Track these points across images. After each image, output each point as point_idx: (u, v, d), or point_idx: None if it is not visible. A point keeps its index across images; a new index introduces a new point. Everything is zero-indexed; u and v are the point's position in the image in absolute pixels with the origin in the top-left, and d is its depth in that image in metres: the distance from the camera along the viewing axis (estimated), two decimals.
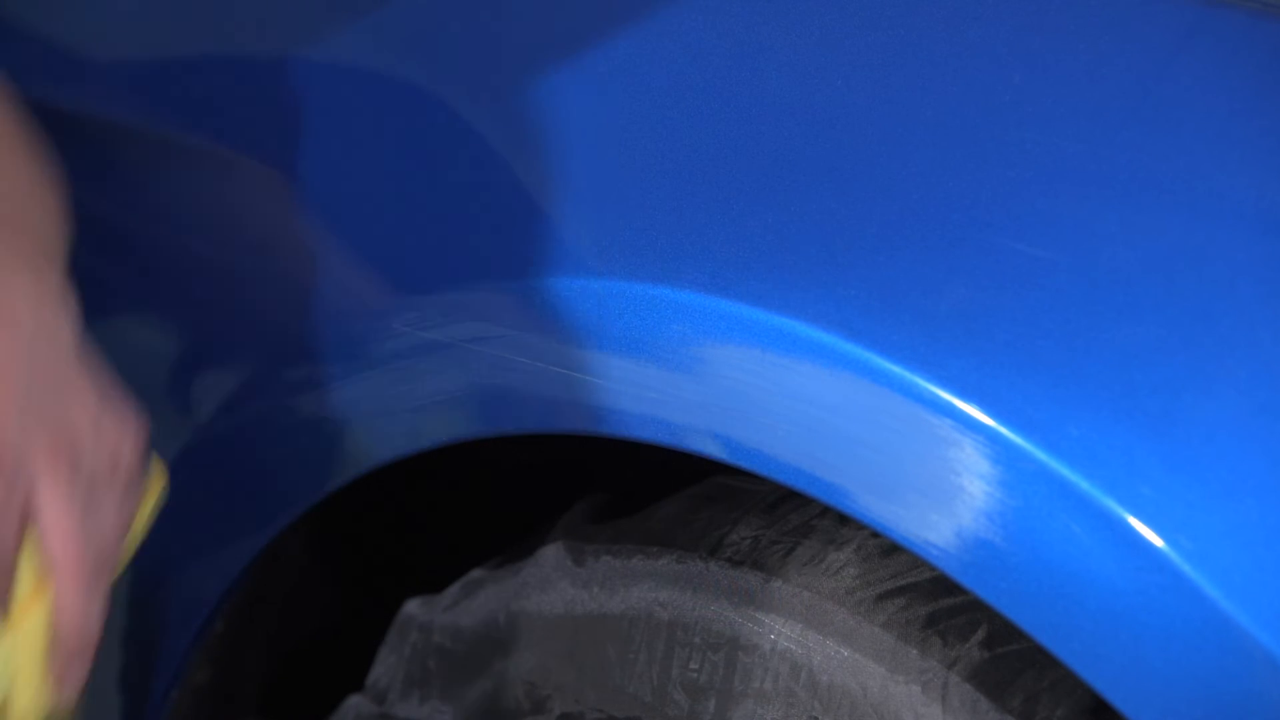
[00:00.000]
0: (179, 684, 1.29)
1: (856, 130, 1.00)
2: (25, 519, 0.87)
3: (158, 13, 1.33)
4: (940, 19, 1.04)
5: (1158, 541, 0.84)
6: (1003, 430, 0.88)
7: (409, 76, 1.18)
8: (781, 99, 1.03)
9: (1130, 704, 0.86)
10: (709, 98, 1.06)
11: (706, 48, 1.09)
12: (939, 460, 0.90)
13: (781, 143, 1.01)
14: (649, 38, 1.11)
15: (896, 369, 0.91)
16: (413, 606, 1.21)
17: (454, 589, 1.19)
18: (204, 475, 1.30)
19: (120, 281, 1.33)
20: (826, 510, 1.09)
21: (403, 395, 1.13)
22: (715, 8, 1.11)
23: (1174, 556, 0.84)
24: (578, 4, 1.16)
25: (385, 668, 1.22)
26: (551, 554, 1.13)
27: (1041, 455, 0.87)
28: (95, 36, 1.29)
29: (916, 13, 1.04)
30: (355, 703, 1.23)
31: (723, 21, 1.10)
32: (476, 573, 1.18)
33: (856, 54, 1.04)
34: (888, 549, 1.04)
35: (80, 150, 1.30)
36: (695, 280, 0.98)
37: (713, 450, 0.99)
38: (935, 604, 1.02)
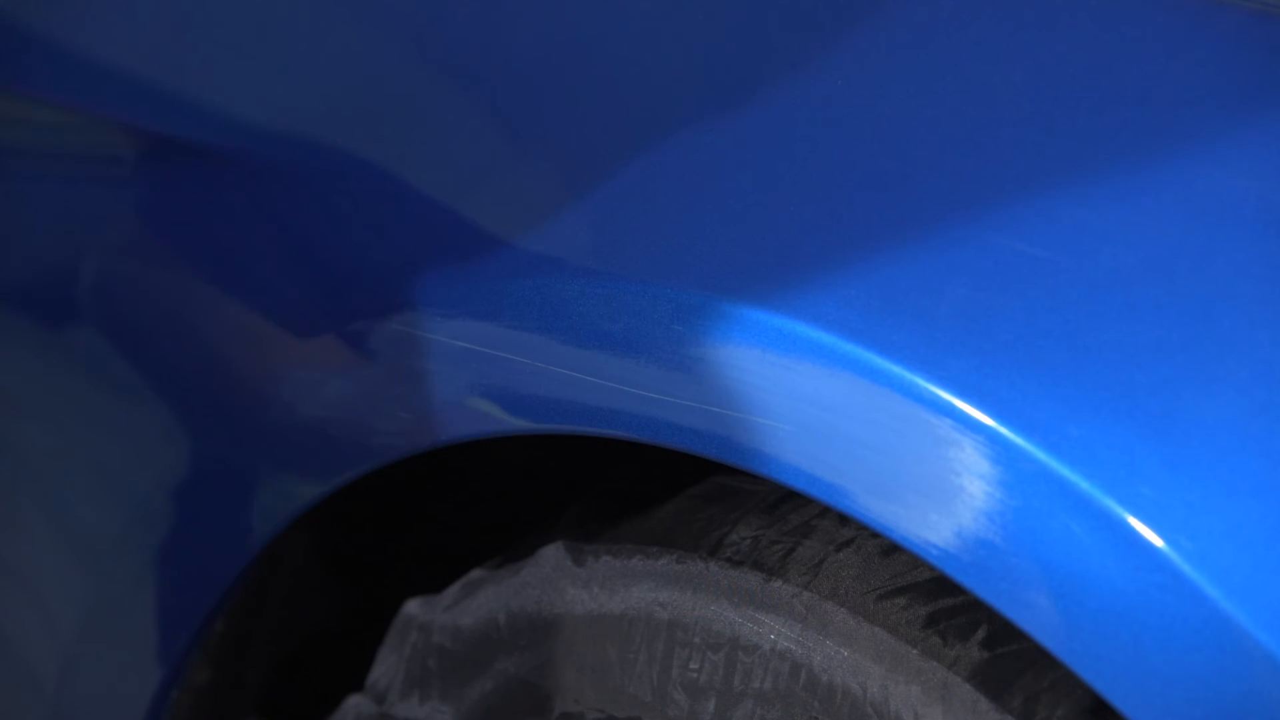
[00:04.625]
0: (179, 684, 1.29)
1: (856, 130, 1.00)
2: None
3: (166, 15, 1.33)
4: (940, 19, 1.04)
5: (1158, 541, 0.84)
6: (1003, 430, 0.88)
7: (410, 75, 1.18)
8: (780, 99, 1.03)
9: (1130, 704, 0.86)
10: (708, 98, 1.06)
11: (704, 48, 1.09)
12: (939, 460, 0.90)
13: (781, 142, 1.01)
14: (646, 38, 1.11)
15: (896, 369, 0.91)
16: (413, 606, 1.21)
17: (454, 589, 1.19)
18: (204, 475, 1.30)
19: (121, 280, 1.33)
20: (826, 510, 1.09)
21: (403, 395, 1.13)
22: (716, 7, 1.11)
23: (1174, 556, 0.84)
24: (576, 5, 1.16)
25: (385, 668, 1.22)
26: (551, 554, 1.13)
27: (1041, 455, 0.87)
28: (102, 39, 1.29)
29: (916, 12, 1.04)
30: (355, 703, 1.23)
31: (723, 21, 1.10)
32: (476, 573, 1.18)
33: (856, 53, 1.04)
34: (888, 549, 1.04)
35: (79, 148, 1.30)
36: (696, 280, 0.98)
37: (712, 451, 0.99)
38: (935, 604, 1.02)
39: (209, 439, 1.29)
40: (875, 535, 1.05)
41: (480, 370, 1.07)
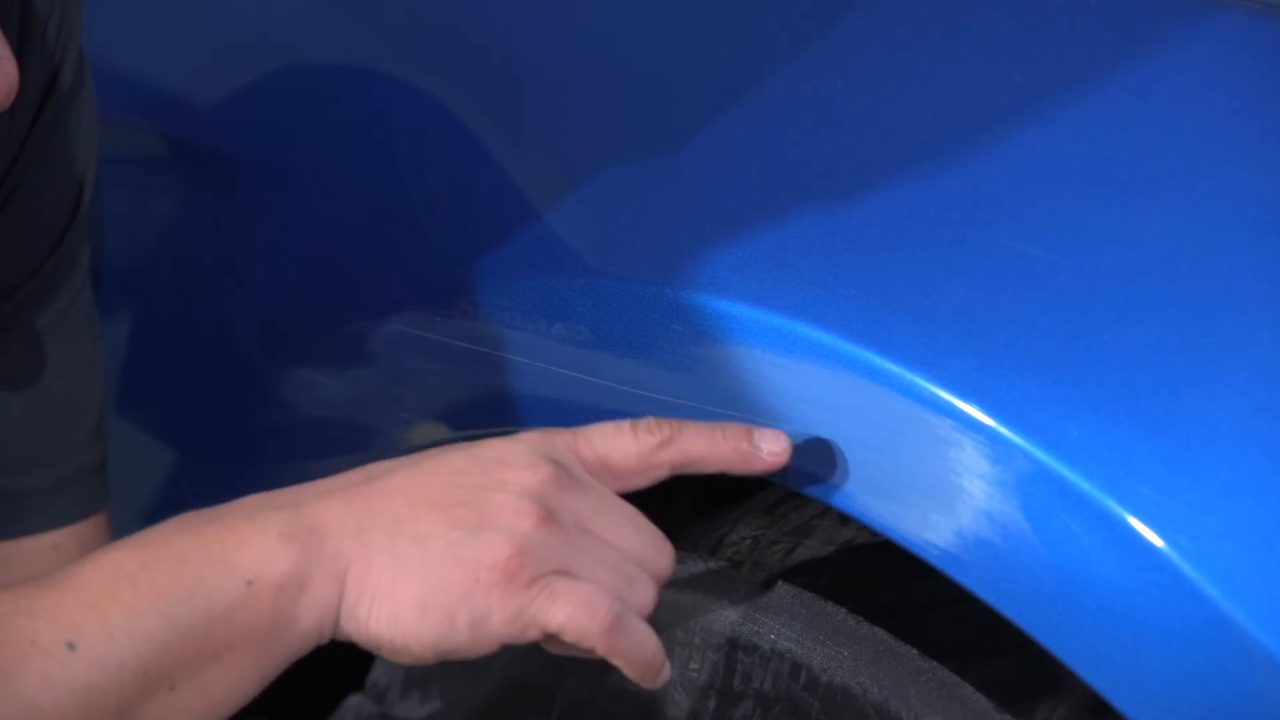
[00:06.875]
0: None
1: (856, 130, 1.00)
2: None
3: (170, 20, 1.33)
4: (940, 19, 1.04)
5: (1158, 541, 0.84)
6: (1003, 430, 0.88)
7: (411, 78, 1.18)
8: (780, 99, 1.03)
9: (1130, 704, 0.86)
10: (708, 98, 1.06)
11: (703, 49, 1.09)
12: (939, 460, 0.90)
13: (780, 143, 1.01)
14: (643, 39, 1.12)
15: (896, 369, 0.91)
16: None
17: None
18: (206, 475, 1.30)
19: (124, 281, 1.33)
20: (826, 510, 1.09)
21: (403, 395, 1.13)
22: (719, 9, 1.11)
23: (1174, 556, 0.84)
24: (575, 7, 1.16)
25: (385, 668, 1.22)
26: None
27: (1041, 455, 0.87)
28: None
29: (916, 12, 1.04)
30: (355, 703, 1.23)
31: (722, 22, 1.10)
32: None
33: (856, 54, 1.04)
34: (888, 549, 1.04)
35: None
36: (695, 280, 0.98)
37: None
38: (935, 604, 1.02)
39: (209, 439, 1.29)
40: (875, 535, 1.05)
41: (480, 370, 1.07)
